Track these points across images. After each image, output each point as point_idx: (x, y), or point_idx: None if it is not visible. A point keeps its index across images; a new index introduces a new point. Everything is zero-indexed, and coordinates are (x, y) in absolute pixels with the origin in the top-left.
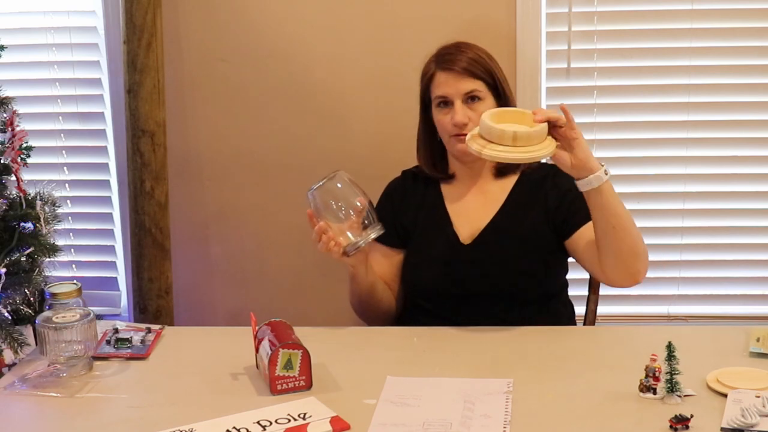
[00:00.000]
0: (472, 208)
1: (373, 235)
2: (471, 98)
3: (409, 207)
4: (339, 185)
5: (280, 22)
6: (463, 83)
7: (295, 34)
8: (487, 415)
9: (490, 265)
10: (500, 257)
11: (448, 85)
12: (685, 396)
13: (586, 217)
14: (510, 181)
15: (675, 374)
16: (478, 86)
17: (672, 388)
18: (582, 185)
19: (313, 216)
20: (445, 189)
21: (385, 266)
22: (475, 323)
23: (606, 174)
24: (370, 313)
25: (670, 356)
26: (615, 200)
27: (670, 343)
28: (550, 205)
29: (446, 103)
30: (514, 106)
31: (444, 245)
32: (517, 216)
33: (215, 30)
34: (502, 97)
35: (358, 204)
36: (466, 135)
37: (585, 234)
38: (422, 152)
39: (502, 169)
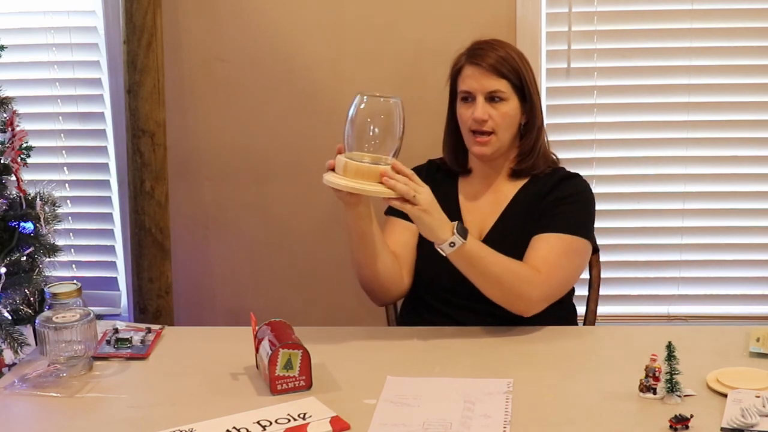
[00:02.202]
0: (482, 207)
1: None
2: (493, 98)
3: None
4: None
5: (279, 22)
6: (487, 81)
7: (294, 34)
8: (487, 415)
9: None
10: None
11: (474, 79)
12: (685, 396)
13: (545, 228)
14: (520, 183)
15: (675, 374)
16: (502, 86)
17: (672, 388)
18: (439, 250)
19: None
20: (462, 184)
21: (405, 237)
22: (475, 321)
23: (452, 246)
24: (370, 283)
25: (670, 356)
26: (478, 263)
27: (670, 343)
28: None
29: (469, 98)
30: (539, 109)
31: None
32: (517, 220)
33: (215, 30)
34: (528, 100)
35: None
36: (485, 133)
37: (533, 243)
38: (447, 143)
39: (516, 170)
